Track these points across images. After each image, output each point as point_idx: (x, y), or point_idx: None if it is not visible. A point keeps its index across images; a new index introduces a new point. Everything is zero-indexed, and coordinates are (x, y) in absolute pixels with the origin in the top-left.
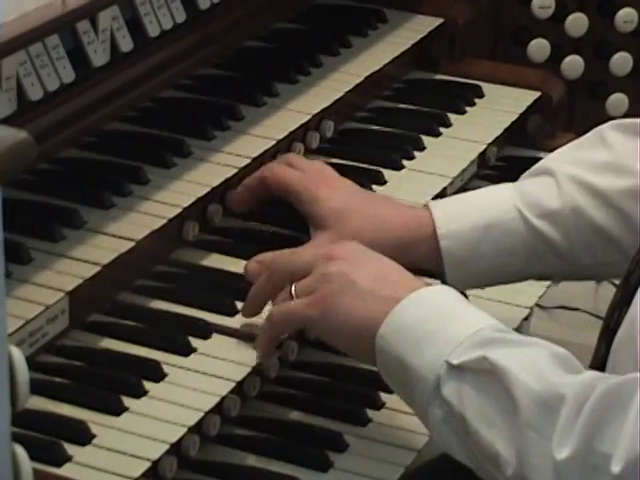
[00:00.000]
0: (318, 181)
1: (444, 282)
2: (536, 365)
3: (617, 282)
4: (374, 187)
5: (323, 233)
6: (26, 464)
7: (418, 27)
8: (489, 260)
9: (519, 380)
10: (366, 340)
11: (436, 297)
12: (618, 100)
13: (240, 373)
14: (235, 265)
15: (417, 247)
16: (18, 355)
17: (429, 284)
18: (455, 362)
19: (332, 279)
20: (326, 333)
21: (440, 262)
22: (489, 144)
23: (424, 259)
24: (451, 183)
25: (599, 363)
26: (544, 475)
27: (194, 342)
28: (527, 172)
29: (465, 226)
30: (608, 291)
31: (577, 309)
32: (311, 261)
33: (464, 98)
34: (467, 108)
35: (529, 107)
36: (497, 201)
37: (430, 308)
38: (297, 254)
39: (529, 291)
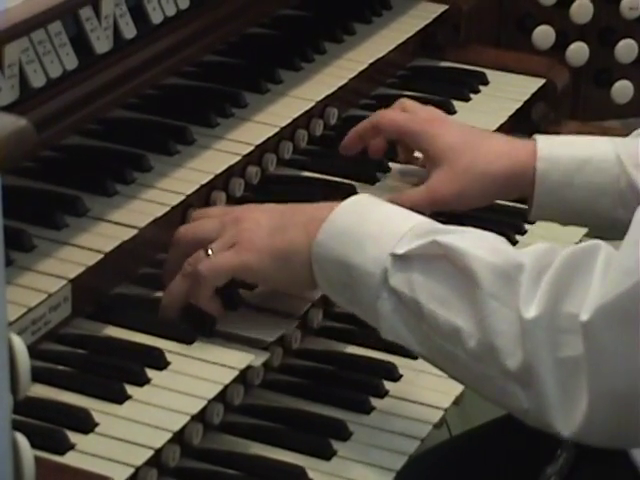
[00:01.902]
0: (430, 120)
1: (529, 211)
2: (488, 242)
3: None
4: (378, 175)
5: (439, 169)
6: (27, 452)
7: (422, 14)
8: (579, 193)
9: (475, 255)
10: (300, 263)
11: (364, 201)
12: (623, 87)
13: (244, 361)
14: None
15: (522, 175)
16: (19, 343)
17: None
18: (400, 252)
19: (247, 230)
20: (260, 273)
21: (532, 185)
22: (494, 131)
23: (524, 186)
24: None
25: None
26: (510, 338)
27: None
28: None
29: (565, 154)
30: None
31: None
32: (218, 226)
33: (468, 85)
34: (471, 95)
35: (534, 94)
36: (599, 143)
37: (363, 211)
38: (201, 222)
39: None
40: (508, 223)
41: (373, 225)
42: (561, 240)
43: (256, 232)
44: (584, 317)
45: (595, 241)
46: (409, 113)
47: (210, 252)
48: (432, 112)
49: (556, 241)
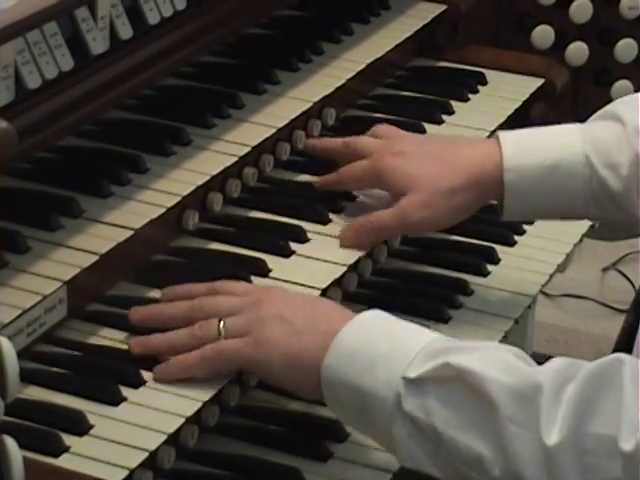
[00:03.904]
0: (384, 155)
1: (500, 214)
2: (501, 361)
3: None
4: None
5: (406, 197)
6: (16, 455)
7: (421, 14)
8: (549, 198)
9: (490, 377)
10: (309, 375)
11: (374, 321)
12: (623, 87)
13: None
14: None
15: (490, 187)
16: (8, 346)
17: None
18: (413, 376)
19: (265, 321)
20: (267, 373)
21: (501, 193)
22: (492, 131)
23: (493, 196)
24: None
25: (628, 332)
26: (535, 465)
27: None
28: (598, 113)
29: (532, 162)
30: (614, 279)
31: (583, 297)
32: (239, 305)
33: (467, 85)
34: (470, 95)
35: (533, 94)
36: (567, 142)
37: (372, 331)
38: (223, 298)
39: (533, 279)
40: (506, 223)
41: (383, 345)
42: (560, 241)
43: (274, 328)
44: (626, 446)
45: (617, 355)
46: (367, 149)
47: (222, 325)
48: (388, 146)
49: (556, 241)
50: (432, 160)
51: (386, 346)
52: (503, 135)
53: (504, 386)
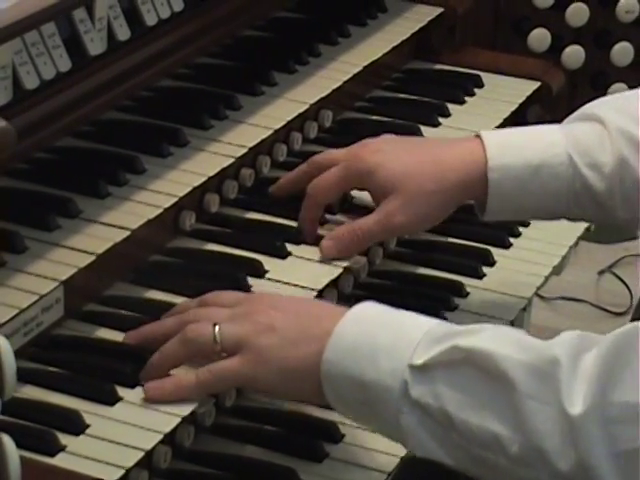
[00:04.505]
0: (361, 155)
1: (480, 212)
2: (512, 339)
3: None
4: None
5: (389, 198)
6: (13, 453)
7: (418, 16)
8: (532, 198)
9: (504, 355)
10: (310, 383)
11: (370, 311)
12: (619, 90)
13: None
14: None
15: (474, 186)
16: (5, 344)
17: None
18: (419, 362)
19: (258, 334)
20: (265, 387)
21: (484, 192)
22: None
23: (476, 195)
24: None
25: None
26: (558, 438)
27: None
28: (574, 115)
29: (517, 162)
30: (609, 282)
31: (578, 300)
32: (231, 316)
33: (463, 88)
34: (466, 98)
35: (529, 97)
36: (550, 142)
37: (370, 322)
38: (215, 309)
39: (528, 281)
40: (502, 225)
41: (383, 335)
42: (556, 243)
43: (267, 341)
44: None
45: (634, 324)
46: (334, 157)
47: (217, 330)
48: (360, 145)
49: (552, 244)
50: (414, 159)
51: (386, 336)
52: (485, 134)
53: (520, 363)
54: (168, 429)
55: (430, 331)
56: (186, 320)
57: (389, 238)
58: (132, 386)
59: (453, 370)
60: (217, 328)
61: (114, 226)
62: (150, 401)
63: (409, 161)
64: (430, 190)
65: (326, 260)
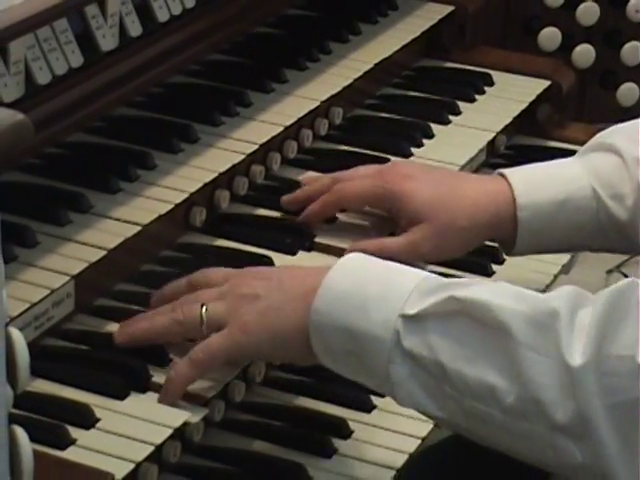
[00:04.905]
0: (394, 177)
1: (507, 250)
2: (510, 291)
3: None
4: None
5: (419, 226)
6: (26, 446)
7: (428, 14)
8: (559, 232)
9: (502, 306)
10: (300, 341)
11: (360, 262)
12: (629, 90)
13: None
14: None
15: (503, 224)
16: (18, 336)
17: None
18: (412, 312)
19: (242, 304)
20: (256, 353)
21: (512, 230)
22: (498, 132)
23: (504, 233)
24: None
25: None
26: (556, 389)
27: None
28: (588, 146)
29: (543, 199)
30: (618, 282)
31: None
32: (217, 295)
33: (474, 86)
34: (477, 96)
35: (539, 96)
36: (572, 176)
37: (359, 272)
38: (202, 292)
39: (537, 280)
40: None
41: (373, 285)
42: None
43: (251, 309)
44: None
45: (631, 279)
46: (367, 173)
47: (204, 310)
48: (388, 168)
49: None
50: (446, 191)
51: (376, 285)
52: (509, 173)
53: (519, 313)
54: (178, 424)
55: (422, 282)
56: (176, 320)
57: (410, 261)
58: (142, 381)
59: (448, 321)
60: (204, 309)
61: (125, 221)
62: (164, 404)
63: (441, 192)
64: (461, 226)
65: (335, 255)
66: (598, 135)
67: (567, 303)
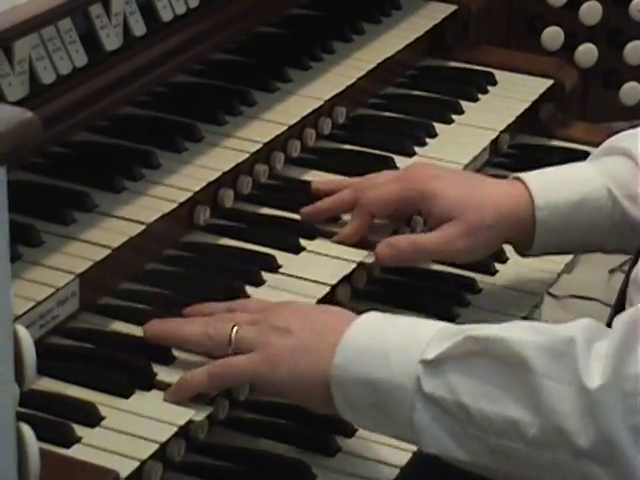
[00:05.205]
0: (420, 178)
1: (523, 250)
2: (524, 325)
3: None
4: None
5: (450, 224)
6: (33, 443)
7: (431, 14)
8: (575, 232)
9: (519, 339)
10: (318, 389)
11: (379, 318)
12: (632, 89)
13: None
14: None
15: (523, 224)
16: (25, 334)
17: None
18: (431, 357)
19: (274, 335)
20: (274, 389)
21: (530, 230)
22: (501, 131)
23: (522, 233)
24: None
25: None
26: (576, 415)
27: None
28: (600, 150)
29: (561, 200)
30: (621, 281)
31: (589, 298)
32: (252, 319)
33: (477, 85)
34: (480, 95)
35: (542, 95)
36: (587, 178)
37: (379, 327)
38: (238, 314)
39: (540, 278)
40: None
41: (394, 338)
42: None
43: (281, 343)
44: None
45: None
46: (389, 178)
47: (234, 332)
48: (413, 169)
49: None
50: (471, 191)
51: (397, 336)
52: (525, 177)
53: (535, 344)
54: (182, 422)
55: (441, 330)
56: (210, 327)
57: (440, 259)
58: (147, 380)
59: (466, 360)
60: (235, 329)
61: (129, 220)
62: (169, 402)
63: (468, 193)
64: (488, 225)
65: (340, 255)
66: (610, 139)
67: (583, 333)
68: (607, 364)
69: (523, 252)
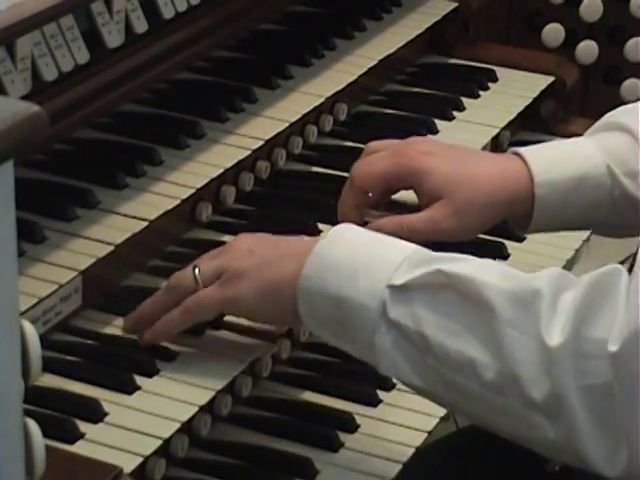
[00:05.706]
0: (412, 154)
1: (521, 228)
2: (497, 269)
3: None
4: None
5: (440, 203)
6: (38, 437)
7: (432, 11)
8: (575, 210)
9: (487, 282)
10: (287, 298)
11: (350, 233)
12: (632, 85)
13: (252, 353)
14: None
15: (521, 202)
16: (30, 329)
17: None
18: (399, 282)
19: (237, 259)
20: (244, 307)
21: (529, 207)
22: (502, 128)
23: (521, 210)
24: None
25: None
26: (533, 366)
27: None
28: (598, 125)
29: (561, 177)
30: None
31: None
32: (211, 255)
33: (478, 82)
34: (481, 92)
35: (543, 92)
36: (587, 154)
37: (350, 243)
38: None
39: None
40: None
41: (363, 255)
42: (569, 236)
43: (244, 262)
44: (613, 347)
45: (616, 265)
46: (383, 153)
47: (197, 272)
48: (406, 143)
49: (565, 237)
50: (464, 169)
51: (367, 256)
52: (525, 152)
53: (502, 291)
54: (185, 418)
55: (412, 254)
56: (172, 279)
57: (430, 239)
58: (150, 375)
59: (434, 293)
60: (197, 270)
61: (132, 217)
62: (145, 343)
63: (460, 170)
64: (480, 204)
65: None
66: (607, 115)
67: (551, 285)
68: (569, 322)
69: (520, 230)
